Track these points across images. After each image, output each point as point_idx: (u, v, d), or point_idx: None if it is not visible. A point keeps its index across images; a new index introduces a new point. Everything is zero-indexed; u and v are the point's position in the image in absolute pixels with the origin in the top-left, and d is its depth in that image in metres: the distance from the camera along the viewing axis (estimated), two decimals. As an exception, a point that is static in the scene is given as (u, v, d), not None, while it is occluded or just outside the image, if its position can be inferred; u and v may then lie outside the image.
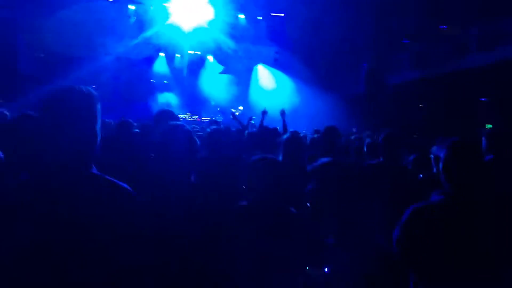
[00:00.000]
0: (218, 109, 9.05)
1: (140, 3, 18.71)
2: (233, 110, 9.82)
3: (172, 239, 2.39)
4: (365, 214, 2.01)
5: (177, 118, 4.27)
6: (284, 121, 7.92)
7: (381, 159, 4.29)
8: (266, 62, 21.56)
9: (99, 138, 1.81)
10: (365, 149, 5.83)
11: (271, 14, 19.39)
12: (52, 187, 1.70)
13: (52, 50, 17.87)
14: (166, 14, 18.63)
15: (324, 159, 2.11)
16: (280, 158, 4.37)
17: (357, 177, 2.08)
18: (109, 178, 1.83)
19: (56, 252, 1.65)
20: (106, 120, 8.97)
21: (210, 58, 21.92)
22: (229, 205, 2.82)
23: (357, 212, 1.99)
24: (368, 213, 2.05)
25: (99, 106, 1.81)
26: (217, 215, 2.60)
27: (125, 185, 1.85)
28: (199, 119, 19.12)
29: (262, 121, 7.64)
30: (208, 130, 5.05)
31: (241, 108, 19.11)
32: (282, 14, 19.41)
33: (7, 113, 6.74)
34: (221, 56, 20.80)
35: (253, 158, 2.89)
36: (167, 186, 2.51)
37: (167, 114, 4.23)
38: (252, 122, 10.07)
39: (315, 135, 9.65)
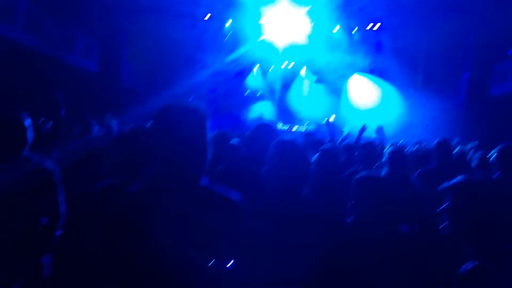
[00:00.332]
0: (326, 119, 8.95)
1: (235, 21, 19.22)
2: (327, 119, 9.74)
3: (286, 252, 2.31)
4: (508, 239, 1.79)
5: (275, 130, 4.23)
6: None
7: (496, 174, 4.04)
8: (361, 71, 21.17)
9: (209, 151, 1.85)
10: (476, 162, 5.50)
11: (368, 26, 19.03)
12: (164, 197, 1.73)
13: (153, 65, 18.83)
14: (260, 31, 18.99)
15: (460, 177, 1.92)
16: (384, 172, 4.19)
17: (496, 195, 1.87)
18: (219, 189, 1.86)
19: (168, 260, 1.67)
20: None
21: (303, 70, 21.96)
22: (338, 221, 2.73)
23: (502, 237, 1.77)
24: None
25: (208, 122, 1.87)
26: (328, 231, 2.50)
27: (235, 197, 1.87)
28: (290, 130, 19.14)
29: (359, 136, 7.53)
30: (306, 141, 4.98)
31: (333, 117, 18.83)
32: (379, 24, 18.97)
33: (114, 126, 7.10)
34: (315, 67, 20.74)
35: (360, 175, 2.84)
36: (280, 199, 2.44)
37: (266, 127, 4.21)
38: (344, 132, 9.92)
39: (416, 146, 9.21)
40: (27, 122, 3.49)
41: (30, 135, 3.46)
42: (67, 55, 13.56)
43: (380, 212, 2.69)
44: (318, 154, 4.43)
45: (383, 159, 4.41)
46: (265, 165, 2.56)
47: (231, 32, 19.76)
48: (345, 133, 10.15)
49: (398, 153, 4.30)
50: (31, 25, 11.41)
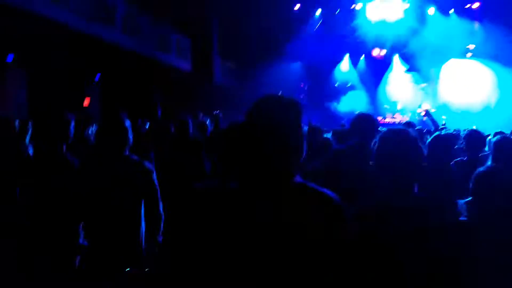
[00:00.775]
0: (424, 109, 8.42)
1: (326, 8, 18.94)
2: (428, 108, 9.18)
3: (392, 253, 2.13)
4: None
5: (374, 121, 4.02)
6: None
7: None
8: (457, 57, 19.91)
9: (305, 146, 1.75)
10: None
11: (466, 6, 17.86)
12: (258, 194, 1.67)
13: (241, 58, 19.03)
14: (352, 17, 18.60)
15: None
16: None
17: None
18: (314, 186, 1.74)
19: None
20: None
21: (396, 58, 21.14)
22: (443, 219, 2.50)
23: None
24: None
25: (302, 116, 1.76)
26: (436, 231, 2.27)
27: (332, 194, 1.73)
28: (383, 121, 18.46)
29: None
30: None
31: (427, 107, 17.86)
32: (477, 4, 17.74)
33: (208, 125, 7.21)
34: (408, 54, 19.86)
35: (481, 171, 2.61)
36: (390, 196, 2.25)
37: (367, 118, 4.01)
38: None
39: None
40: (127, 123, 3.63)
41: (130, 135, 3.60)
42: (162, 55, 14.02)
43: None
44: (430, 142, 4.18)
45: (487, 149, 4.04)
46: (370, 160, 2.38)
47: (321, 21, 19.52)
48: (442, 122, 9.67)
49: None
50: (128, 26, 11.76)
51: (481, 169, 2.63)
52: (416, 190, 2.33)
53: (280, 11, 17.97)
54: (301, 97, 19.69)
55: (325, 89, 21.48)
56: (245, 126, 1.76)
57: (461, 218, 2.62)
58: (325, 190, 1.73)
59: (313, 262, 1.62)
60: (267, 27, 18.14)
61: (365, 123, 3.83)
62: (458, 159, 5.20)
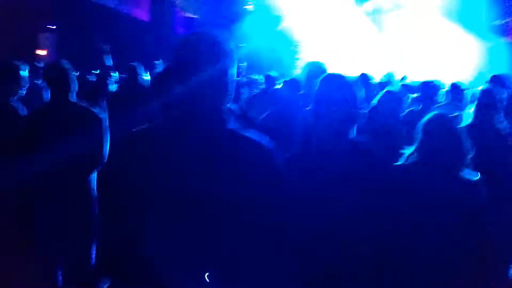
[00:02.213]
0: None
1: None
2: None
3: (325, 201, 2.14)
4: None
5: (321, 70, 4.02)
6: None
7: None
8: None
9: (231, 86, 1.69)
10: None
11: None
12: (186, 134, 1.63)
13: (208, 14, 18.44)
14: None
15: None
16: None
17: None
18: (247, 134, 1.70)
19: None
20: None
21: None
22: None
23: None
24: None
25: (232, 53, 1.68)
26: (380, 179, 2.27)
27: (265, 142, 1.70)
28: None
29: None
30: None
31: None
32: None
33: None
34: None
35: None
36: (325, 141, 2.26)
37: (317, 67, 4.00)
38: None
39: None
40: (70, 69, 3.72)
41: (73, 81, 3.68)
42: (118, 4, 13.58)
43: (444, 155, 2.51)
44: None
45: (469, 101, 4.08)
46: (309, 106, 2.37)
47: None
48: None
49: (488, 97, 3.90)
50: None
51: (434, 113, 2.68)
52: (354, 134, 2.33)
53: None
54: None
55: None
56: (171, 67, 1.72)
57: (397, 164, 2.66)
58: (256, 137, 1.70)
59: (238, 203, 1.58)
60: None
61: (313, 71, 3.81)
62: (410, 108, 5.28)
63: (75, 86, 3.69)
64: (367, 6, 18.05)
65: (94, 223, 3.57)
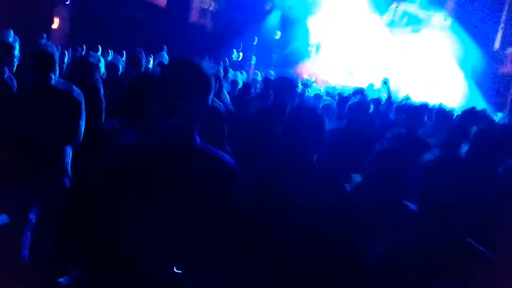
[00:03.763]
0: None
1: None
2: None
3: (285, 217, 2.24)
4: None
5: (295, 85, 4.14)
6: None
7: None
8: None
9: (204, 111, 1.82)
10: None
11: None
12: (157, 150, 1.77)
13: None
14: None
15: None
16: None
17: None
18: (213, 151, 1.84)
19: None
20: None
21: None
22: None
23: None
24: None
25: (213, 81, 1.82)
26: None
27: (229, 160, 1.84)
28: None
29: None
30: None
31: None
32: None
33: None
34: None
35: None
36: (287, 161, 2.36)
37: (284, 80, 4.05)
38: None
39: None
40: (52, 50, 3.79)
41: (55, 63, 3.73)
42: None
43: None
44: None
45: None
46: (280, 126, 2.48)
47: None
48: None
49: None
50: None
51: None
52: (314, 159, 2.44)
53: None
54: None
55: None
56: (156, 83, 1.84)
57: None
58: (223, 156, 1.84)
59: (203, 220, 1.73)
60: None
61: (284, 85, 3.92)
62: (395, 132, 5.28)
63: (55, 69, 3.74)
64: (386, 17, 18.21)
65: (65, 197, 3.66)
